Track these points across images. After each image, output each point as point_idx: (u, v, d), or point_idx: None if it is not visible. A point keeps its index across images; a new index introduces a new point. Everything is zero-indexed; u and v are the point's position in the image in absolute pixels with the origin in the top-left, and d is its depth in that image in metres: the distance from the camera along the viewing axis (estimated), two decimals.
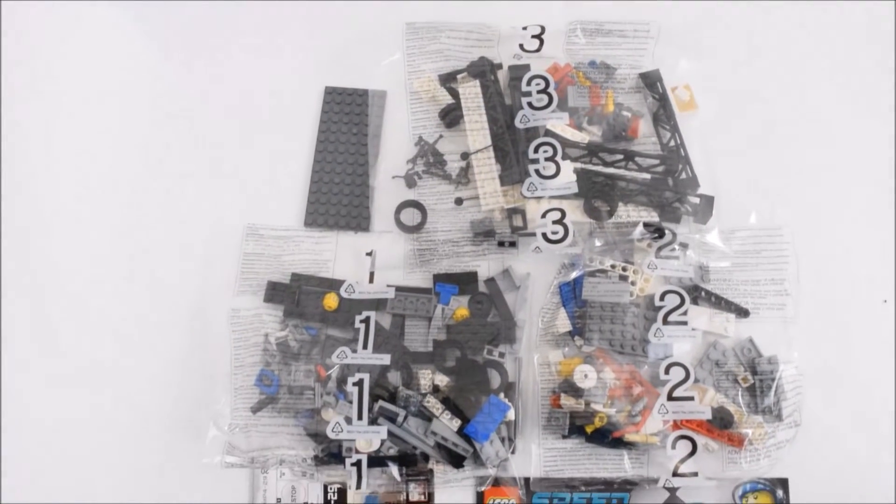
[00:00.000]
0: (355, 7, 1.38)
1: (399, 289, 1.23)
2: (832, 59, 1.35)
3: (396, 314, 1.23)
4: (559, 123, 1.25)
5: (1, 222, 1.29)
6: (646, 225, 1.22)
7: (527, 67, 1.29)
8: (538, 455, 1.20)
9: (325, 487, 1.20)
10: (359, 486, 1.16)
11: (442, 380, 1.19)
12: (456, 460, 1.17)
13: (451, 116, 1.30)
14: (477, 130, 1.28)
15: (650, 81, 1.31)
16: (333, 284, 1.24)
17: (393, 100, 1.34)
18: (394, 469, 1.17)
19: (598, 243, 1.23)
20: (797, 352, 1.22)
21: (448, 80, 1.32)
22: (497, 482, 1.19)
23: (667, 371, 1.17)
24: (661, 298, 1.20)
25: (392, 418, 1.16)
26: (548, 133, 1.24)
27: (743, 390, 1.20)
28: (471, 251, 1.27)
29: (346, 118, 1.33)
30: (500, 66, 1.32)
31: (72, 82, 1.36)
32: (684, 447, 1.17)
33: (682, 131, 1.27)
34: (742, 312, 1.23)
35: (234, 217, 1.28)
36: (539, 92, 1.26)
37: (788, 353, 1.22)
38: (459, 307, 1.23)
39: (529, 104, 1.26)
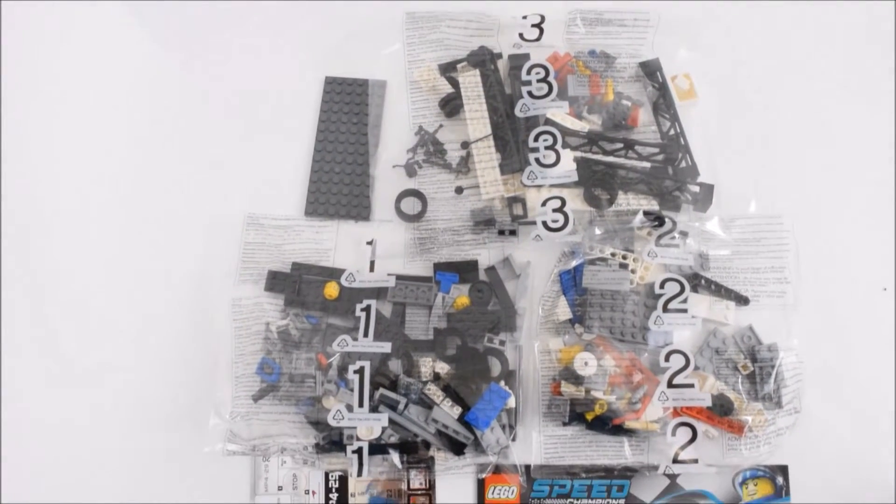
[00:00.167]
0: None
1: (399, 277, 1.23)
2: (832, 48, 1.35)
3: (397, 303, 1.24)
4: (559, 112, 1.25)
5: (1, 213, 1.30)
6: (646, 213, 1.22)
7: (526, 57, 1.29)
8: (539, 442, 1.20)
9: (327, 475, 1.20)
10: (360, 473, 1.16)
11: (443, 368, 1.20)
12: (457, 448, 1.17)
13: (451, 106, 1.30)
14: (477, 119, 1.28)
15: (650, 70, 1.31)
16: (334, 273, 1.25)
17: (393, 89, 1.34)
18: (395, 456, 1.18)
19: (598, 231, 1.23)
20: (797, 339, 1.22)
21: (448, 69, 1.32)
22: (498, 469, 1.19)
23: (667, 358, 1.18)
24: (661, 286, 1.20)
25: (393, 406, 1.16)
26: (548, 122, 1.25)
27: (743, 378, 1.20)
28: (471, 240, 1.27)
29: (347, 108, 1.33)
30: (499, 56, 1.32)
31: (71, 69, 1.36)
32: (684, 434, 1.17)
33: (681, 120, 1.28)
34: (742, 300, 1.24)
35: (234, 207, 1.29)
36: (539, 81, 1.27)
37: (788, 340, 1.22)
38: (460, 295, 1.23)
39: (529, 93, 1.26)
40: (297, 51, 1.36)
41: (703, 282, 1.23)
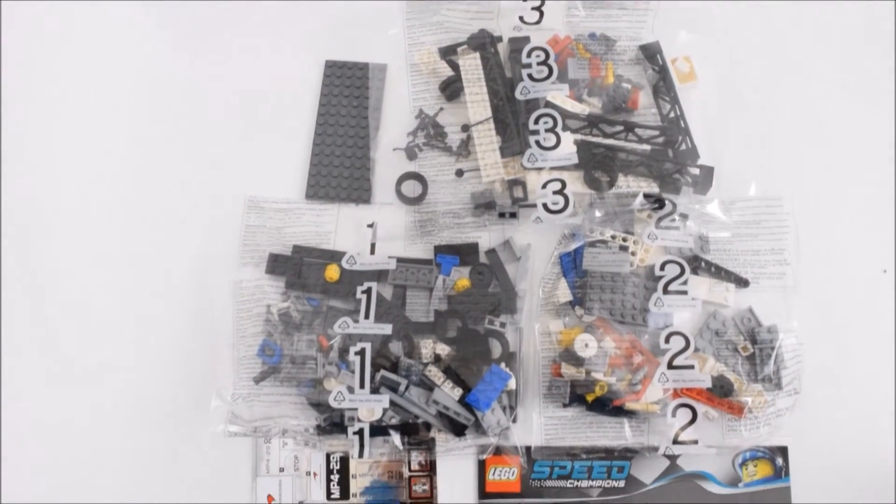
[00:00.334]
0: None
1: (400, 260, 1.24)
2: (833, 30, 1.35)
3: (398, 285, 1.24)
4: (559, 95, 1.25)
5: (1, 198, 1.30)
6: (646, 196, 1.22)
7: (527, 39, 1.29)
8: (539, 424, 1.21)
9: (328, 456, 1.21)
10: (361, 454, 1.17)
11: (443, 349, 1.20)
12: (457, 429, 1.18)
13: (452, 89, 1.30)
14: (477, 102, 1.28)
15: (650, 53, 1.31)
16: (335, 256, 1.25)
17: (393, 73, 1.34)
18: (396, 438, 1.18)
19: (598, 214, 1.23)
20: (797, 321, 1.22)
21: (448, 52, 1.32)
22: (498, 451, 1.20)
23: (667, 340, 1.18)
24: (662, 268, 1.20)
25: (394, 388, 1.17)
26: (548, 104, 1.25)
27: (743, 359, 1.21)
28: (472, 222, 1.27)
29: (347, 91, 1.33)
30: (500, 39, 1.32)
31: (70, 54, 1.36)
32: (684, 415, 1.17)
33: (681, 103, 1.27)
34: (742, 282, 1.24)
35: (235, 190, 1.29)
36: (539, 64, 1.26)
37: (788, 322, 1.22)
38: (460, 278, 1.24)
39: (530, 76, 1.26)
40: (298, 35, 1.36)
41: (703, 264, 1.23)
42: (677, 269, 1.20)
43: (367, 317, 1.19)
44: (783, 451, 1.20)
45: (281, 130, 1.32)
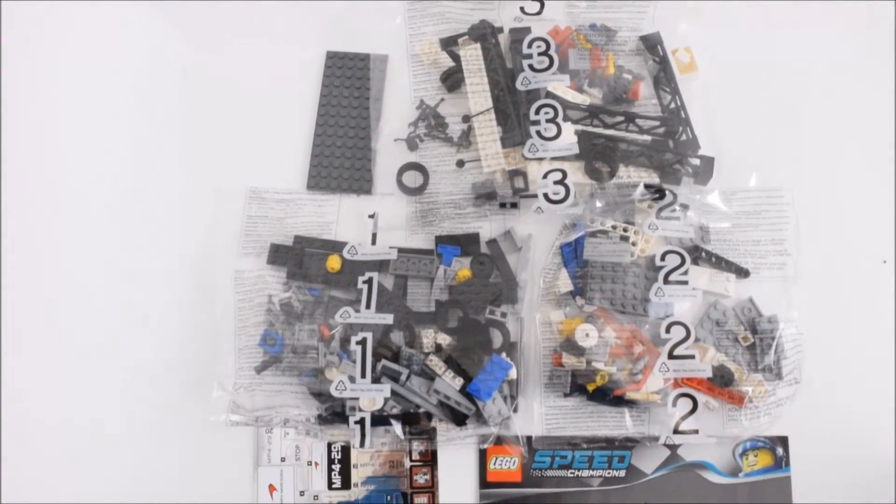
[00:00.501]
0: None
1: (401, 250, 1.24)
2: (833, 20, 1.35)
3: (399, 275, 1.24)
4: (560, 86, 1.25)
5: (2, 187, 1.30)
6: (647, 186, 1.23)
7: (527, 30, 1.29)
8: (540, 413, 1.21)
9: (329, 446, 1.21)
10: (362, 444, 1.17)
11: (444, 339, 1.20)
12: (458, 419, 1.18)
13: (453, 79, 1.31)
14: (478, 93, 1.28)
15: (650, 44, 1.31)
16: (336, 246, 1.25)
17: (394, 64, 1.34)
18: (397, 427, 1.18)
19: (599, 204, 1.24)
20: (797, 311, 1.23)
21: (449, 43, 1.32)
22: (499, 440, 1.20)
23: (668, 330, 1.18)
24: (662, 258, 1.21)
25: (395, 377, 1.17)
26: (549, 95, 1.25)
27: (743, 349, 1.21)
28: (473, 213, 1.27)
29: (348, 82, 1.33)
30: (500, 30, 1.32)
31: (71, 48, 1.36)
32: (685, 405, 1.18)
33: (682, 93, 1.28)
34: (742, 272, 1.24)
35: (237, 180, 1.29)
36: (540, 54, 1.27)
37: (788, 312, 1.23)
38: (461, 268, 1.24)
39: (530, 66, 1.26)
40: (299, 25, 1.36)
41: (703, 254, 1.24)
42: (678, 260, 1.20)
43: (368, 307, 1.20)
44: (783, 440, 1.20)
45: (282, 121, 1.32)
